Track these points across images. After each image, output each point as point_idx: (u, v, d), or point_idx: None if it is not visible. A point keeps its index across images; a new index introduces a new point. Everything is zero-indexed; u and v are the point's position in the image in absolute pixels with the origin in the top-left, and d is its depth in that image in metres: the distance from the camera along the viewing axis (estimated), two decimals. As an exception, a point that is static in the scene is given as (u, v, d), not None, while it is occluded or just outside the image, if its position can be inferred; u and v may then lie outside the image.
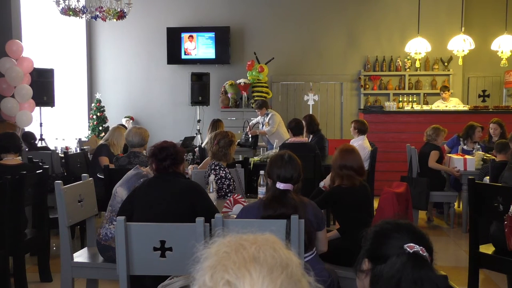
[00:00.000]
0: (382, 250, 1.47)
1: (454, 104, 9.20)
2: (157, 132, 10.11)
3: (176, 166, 3.36)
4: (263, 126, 8.28)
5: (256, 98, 9.99)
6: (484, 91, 10.71)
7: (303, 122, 6.61)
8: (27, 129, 7.97)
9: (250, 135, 8.19)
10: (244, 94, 10.17)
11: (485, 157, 6.43)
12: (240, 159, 6.24)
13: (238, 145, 8.05)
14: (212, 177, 4.01)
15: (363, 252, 1.54)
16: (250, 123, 8.37)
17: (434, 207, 7.15)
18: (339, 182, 3.78)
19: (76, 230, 5.94)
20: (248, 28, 10.62)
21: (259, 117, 8.28)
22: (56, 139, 8.16)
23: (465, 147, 6.98)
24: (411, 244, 1.44)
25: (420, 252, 1.43)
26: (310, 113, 9.30)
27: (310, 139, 7.29)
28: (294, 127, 6.37)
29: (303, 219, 2.81)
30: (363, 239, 1.55)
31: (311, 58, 10.50)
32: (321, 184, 4.13)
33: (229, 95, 10.30)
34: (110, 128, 6.50)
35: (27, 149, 6.85)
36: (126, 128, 8.29)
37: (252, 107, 10.05)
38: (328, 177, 4.04)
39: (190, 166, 5.24)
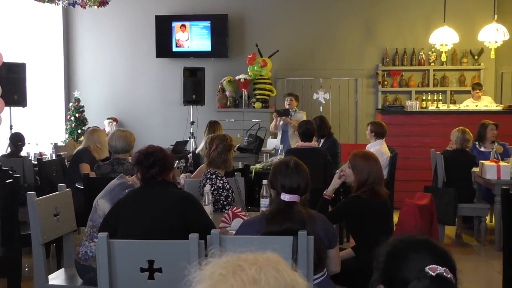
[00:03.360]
0: (399, 274, 1.45)
1: (485, 103, 9.20)
2: (144, 136, 10.12)
3: (165, 173, 3.37)
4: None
5: (258, 96, 10.01)
6: (520, 88, 10.72)
7: (313, 126, 6.61)
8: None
9: (279, 122, 8.34)
10: (245, 92, 10.19)
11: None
12: (240, 166, 6.24)
13: (237, 149, 8.07)
14: (207, 187, 4.02)
15: (376, 276, 1.53)
16: (279, 110, 8.50)
17: (463, 222, 7.14)
18: (358, 193, 3.80)
19: (51, 248, 5.94)
20: (249, 16, 10.65)
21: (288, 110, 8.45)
22: (29, 143, 8.17)
23: (482, 149, 7.01)
24: (433, 266, 1.43)
25: (444, 274, 1.42)
26: (320, 114, 9.32)
27: (320, 144, 7.29)
28: (304, 132, 6.38)
29: (312, 235, 2.81)
30: (374, 260, 1.54)
31: (322, 51, 10.52)
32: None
33: (227, 93, 10.32)
34: (85, 132, 6.50)
35: (8, 152, 6.90)
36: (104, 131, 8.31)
37: (254, 107, 10.07)
38: (332, 185, 4.06)
39: (182, 175, 5.24)
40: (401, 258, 1.46)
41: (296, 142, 7.66)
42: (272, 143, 8.65)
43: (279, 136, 8.48)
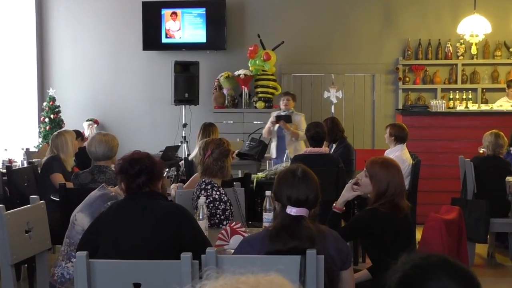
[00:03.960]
0: None
1: (522, 102, 9.21)
2: (129, 140, 10.12)
3: (153, 183, 3.39)
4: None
5: (260, 95, 10.02)
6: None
7: (324, 129, 6.63)
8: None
9: (275, 126, 8.17)
10: (245, 89, 10.20)
11: None
12: (240, 175, 6.25)
13: (237, 155, 8.07)
14: (202, 199, 4.03)
15: None
16: (274, 114, 8.34)
17: (496, 240, 7.13)
18: (376, 205, 3.81)
19: (22, 269, 5.94)
20: (250, 3, 10.66)
21: (282, 112, 8.30)
22: (-4, 149, 8.20)
23: None
24: None
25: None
26: (332, 115, 9.31)
27: (332, 150, 7.29)
28: (314, 136, 6.38)
29: (322, 254, 2.82)
30: None
31: (334, 42, 10.53)
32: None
33: (224, 91, 10.33)
34: (51, 137, 6.54)
35: None
36: (80, 135, 8.32)
37: (256, 107, 10.07)
38: (342, 196, 4.07)
39: (173, 185, 5.24)
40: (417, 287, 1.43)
41: (294, 150, 7.64)
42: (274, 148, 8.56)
43: (273, 143, 8.32)
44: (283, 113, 8.25)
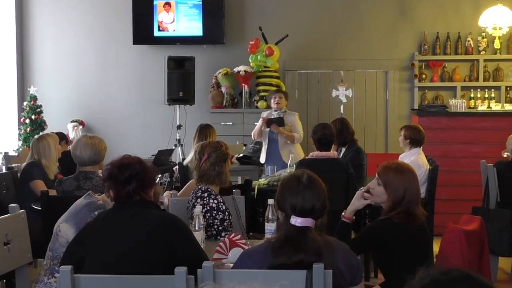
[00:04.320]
0: None
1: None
2: (118, 144, 10.12)
3: (144, 191, 3.39)
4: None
5: (262, 93, 10.02)
6: None
7: (332, 130, 6.62)
8: None
9: (268, 131, 8.01)
10: (245, 88, 10.20)
11: None
12: (239, 182, 6.23)
13: (238, 160, 8.07)
14: (198, 208, 4.03)
15: None
16: (264, 115, 8.19)
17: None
18: (390, 215, 3.81)
19: (0, 285, 5.94)
20: (251, -7, 10.69)
21: (273, 111, 8.16)
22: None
23: None
24: None
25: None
26: (341, 115, 9.31)
27: (341, 154, 7.29)
28: (321, 138, 6.37)
29: (330, 269, 2.81)
30: None
31: (343, 36, 10.53)
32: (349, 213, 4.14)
33: (223, 89, 10.33)
34: (32, 141, 6.55)
35: None
36: (64, 138, 8.33)
37: (257, 107, 10.07)
38: (352, 205, 4.07)
39: (166, 193, 5.25)
40: None
41: (289, 154, 7.61)
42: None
43: (264, 147, 8.21)
44: (274, 112, 8.11)
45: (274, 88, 10.00)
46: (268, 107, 9.84)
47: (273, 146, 8.09)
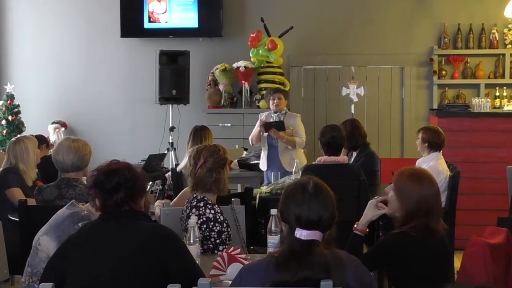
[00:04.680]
0: None
1: None
2: (104, 148, 10.13)
3: (134, 200, 3.40)
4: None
5: (264, 92, 9.98)
6: None
7: (342, 133, 6.62)
8: None
9: (267, 136, 7.93)
10: (245, 85, 10.19)
11: None
12: (239, 190, 6.25)
13: (240, 164, 8.07)
14: (193, 219, 4.04)
15: None
16: (262, 118, 8.10)
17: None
18: (405, 228, 3.82)
19: (-27, 305, 5.95)
20: (252, -20, 10.71)
21: (272, 112, 8.10)
22: None
23: None
24: None
25: None
26: (352, 116, 9.31)
27: (352, 159, 7.29)
28: (330, 142, 6.37)
29: (340, 286, 2.82)
30: None
31: (354, 28, 10.53)
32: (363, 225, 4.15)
33: (220, 87, 10.33)
34: (8, 145, 6.55)
35: None
36: (44, 141, 8.34)
37: (258, 106, 10.07)
38: (365, 215, 4.08)
39: (157, 202, 5.25)
40: None
41: (290, 160, 7.60)
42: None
43: (263, 153, 8.17)
44: (274, 115, 8.04)
45: (278, 86, 9.98)
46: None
47: (273, 152, 8.05)
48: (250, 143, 8.30)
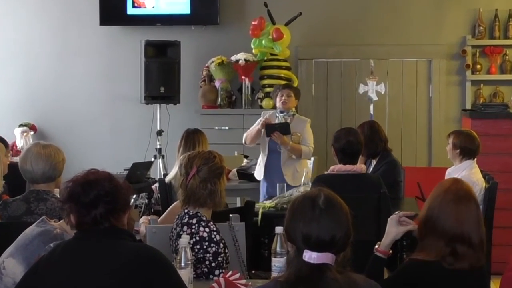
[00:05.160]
0: None
1: None
2: (81, 154, 10.15)
3: (115, 216, 3.39)
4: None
5: (268, 89, 9.99)
6: None
7: (360, 137, 6.61)
8: None
9: (268, 140, 7.85)
10: (246, 81, 10.20)
11: None
12: (238, 204, 6.25)
13: (239, 174, 8.07)
14: (184, 239, 4.03)
15: None
16: (266, 116, 7.98)
17: None
18: (434, 256, 3.80)
19: None
20: (253, -41, 10.73)
21: (278, 112, 8.00)
22: None
23: None
24: None
25: None
26: (371, 118, 9.30)
27: (371, 168, 7.29)
28: (345, 148, 6.37)
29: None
30: None
31: (373, 15, 10.54)
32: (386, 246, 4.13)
33: (216, 83, 10.34)
34: None
35: None
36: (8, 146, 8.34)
37: (261, 106, 10.06)
38: (387, 235, 4.06)
39: (143, 219, 5.25)
40: None
41: (293, 173, 7.60)
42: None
43: (262, 159, 8.05)
44: (280, 114, 7.96)
45: (284, 82, 9.99)
46: (275, 107, 9.84)
47: (274, 159, 7.96)
48: (243, 142, 8.19)
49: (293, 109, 8.13)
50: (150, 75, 9.92)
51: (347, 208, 3.08)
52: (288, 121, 7.91)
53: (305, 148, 7.81)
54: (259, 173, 8.02)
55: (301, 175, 7.23)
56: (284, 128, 7.74)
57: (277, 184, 7.22)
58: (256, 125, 7.94)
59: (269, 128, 7.72)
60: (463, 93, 10.45)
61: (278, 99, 8.04)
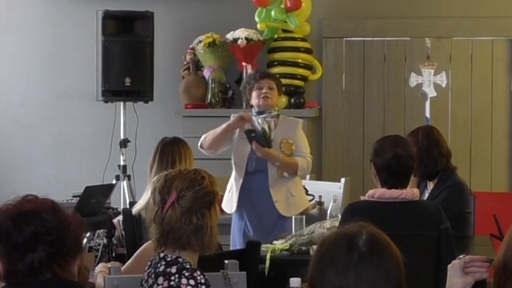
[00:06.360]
0: None
1: None
2: (12, 174, 10.19)
3: (61, 263, 3.41)
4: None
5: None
6: None
7: (412, 149, 6.61)
8: None
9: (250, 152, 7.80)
10: (248, 69, 10.20)
11: None
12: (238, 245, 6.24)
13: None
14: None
15: None
16: (242, 114, 7.93)
17: None
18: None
19: None
20: None
21: (255, 112, 7.90)
22: None
23: None
24: None
25: None
26: (427, 122, 9.33)
27: (426, 194, 7.30)
28: (391, 164, 6.35)
29: None
30: None
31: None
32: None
33: (205, 72, 10.38)
34: None
35: None
36: None
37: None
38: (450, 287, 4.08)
39: (100, 266, 5.26)
40: None
41: (286, 197, 7.59)
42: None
43: (236, 181, 7.98)
44: (259, 118, 7.87)
45: (303, 72, 10.02)
46: (291, 106, 9.88)
47: (257, 181, 7.94)
48: (199, 145, 8.00)
49: (276, 108, 8.05)
50: (110, 61, 9.96)
51: (399, 253, 3.07)
52: (272, 125, 7.85)
53: (301, 160, 7.80)
54: (228, 202, 7.92)
55: (298, 202, 7.23)
56: (260, 138, 7.67)
57: (293, 217, 7.22)
58: (225, 125, 7.84)
59: (249, 134, 7.67)
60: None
61: (254, 93, 7.95)
